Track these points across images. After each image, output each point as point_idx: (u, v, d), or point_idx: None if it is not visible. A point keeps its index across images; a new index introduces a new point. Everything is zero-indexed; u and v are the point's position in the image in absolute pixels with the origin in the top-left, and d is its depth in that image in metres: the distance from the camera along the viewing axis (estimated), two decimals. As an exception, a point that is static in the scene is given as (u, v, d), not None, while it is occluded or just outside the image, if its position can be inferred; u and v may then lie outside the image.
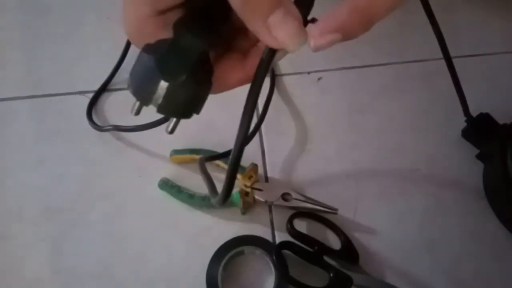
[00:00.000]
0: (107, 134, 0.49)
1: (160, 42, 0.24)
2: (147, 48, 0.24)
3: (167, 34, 0.24)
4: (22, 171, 0.48)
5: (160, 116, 0.45)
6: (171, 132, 0.25)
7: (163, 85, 0.23)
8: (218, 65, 0.26)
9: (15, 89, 0.53)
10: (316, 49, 0.23)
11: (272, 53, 0.23)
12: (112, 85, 0.53)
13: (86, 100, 0.52)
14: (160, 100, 0.23)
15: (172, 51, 0.23)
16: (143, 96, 0.24)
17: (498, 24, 0.58)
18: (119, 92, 0.53)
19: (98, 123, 0.50)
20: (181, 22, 0.24)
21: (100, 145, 0.49)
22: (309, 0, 0.23)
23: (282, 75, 0.54)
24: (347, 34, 0.22)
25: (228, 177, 0.25)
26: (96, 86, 0.53)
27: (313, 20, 0.23)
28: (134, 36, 0.25)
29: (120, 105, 0.52)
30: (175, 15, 0.25)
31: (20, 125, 0.50)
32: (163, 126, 0.50)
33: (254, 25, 0.21)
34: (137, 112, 0.25)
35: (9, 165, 0.48)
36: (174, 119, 0.25)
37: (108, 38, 0.55)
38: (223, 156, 0.46)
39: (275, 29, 0.21)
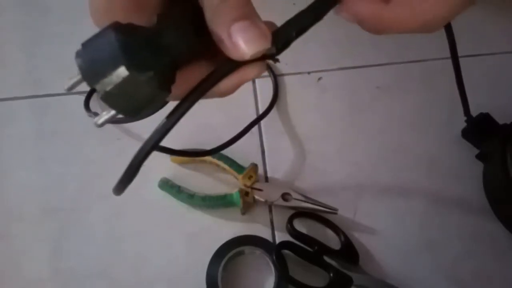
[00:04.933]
0: (106, 134, 0.49)
1: (132, 26, 0.21)
2: (117, 26, 0.20)
3: (139, 19, 0.22)
4: (22, 171, 0.48)
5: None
6: (100, 125, 0.22)
7: (122, 72, 0.19)
8: (184, 71, 0.23)
9: (15, 89, 0.52)
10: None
11: (220, 73, 0.22)
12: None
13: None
14: (110, 87, 0.20)
15: (148, 41, 0.21)
16: (92, 74, 0.20)
17: (498, 24, 0.58)
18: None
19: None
20: (168, 16, 0.22)
21: (100, 145, 0.49)
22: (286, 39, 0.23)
23: (282, 75, 0.54)
24: None
25: (131, 165, 0.24)
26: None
27: (276, 60, 0.24)
28: (99, 12, 0.22)
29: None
30: (151, 1, 0.23)
31: (20, 125, 0.50)
32: (158, 121, 0.50)
33: (217, 27, 0.21)
34: (71, 88, 0.21)
35: (9, 165, 0.48)
36: (111, 114, 0.21)
37: (108, 38, 0.55)
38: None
39: (236, 34, 0.21)
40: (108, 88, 0.20)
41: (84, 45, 0.20)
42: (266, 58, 0.23)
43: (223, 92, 0.23)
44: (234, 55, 0.22)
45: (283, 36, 0.23)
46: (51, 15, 0.58)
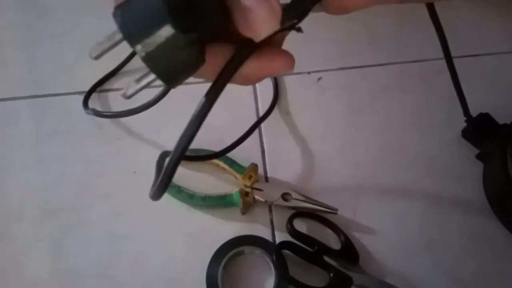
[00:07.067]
0: (106, 134, 0.49)
1: None
2: None
3: None
4: (22, 171, 0.48)
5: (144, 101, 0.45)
6: (129, 97, 0.21)
7: (167, 31, 0.19)
8: (209, 49, 0.23)
9: (15, 89, 0.53)
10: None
11: (247, 51, 0.21)
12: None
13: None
14: (152, 48, 0.19)
15: (192, 5, 0.20)
16: (133, 34, 0.19)
17: (498, 24, 0.58)
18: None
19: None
20: None
21: (100, 145, 0.49)
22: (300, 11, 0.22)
23: (282, 75, 0.54)
24: None
25: (166, 173, 0.23)
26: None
27: (299, 29, 0.23)
28: None
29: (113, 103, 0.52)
30: None
31: (20, 125, 0.50)
32: (158, 121, 0.50)
33: (231, 1, 0.21)
34: (99, 55, 0.20)
35: (9, 165, 0.48)
36: (142, 85, 0.21)
37: (108, 38, 0.55)
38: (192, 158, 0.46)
39: (247, 11, 0.20)
40: (150, 49, 0.19)
41: (121, 5, 0.19)
42: (289, 29, 0.23)
43: (248, 78, 0.23)
44: (247, 31, 0.21)
45: (299, 5, 0.22)
46: (51, 15, 0.58)
